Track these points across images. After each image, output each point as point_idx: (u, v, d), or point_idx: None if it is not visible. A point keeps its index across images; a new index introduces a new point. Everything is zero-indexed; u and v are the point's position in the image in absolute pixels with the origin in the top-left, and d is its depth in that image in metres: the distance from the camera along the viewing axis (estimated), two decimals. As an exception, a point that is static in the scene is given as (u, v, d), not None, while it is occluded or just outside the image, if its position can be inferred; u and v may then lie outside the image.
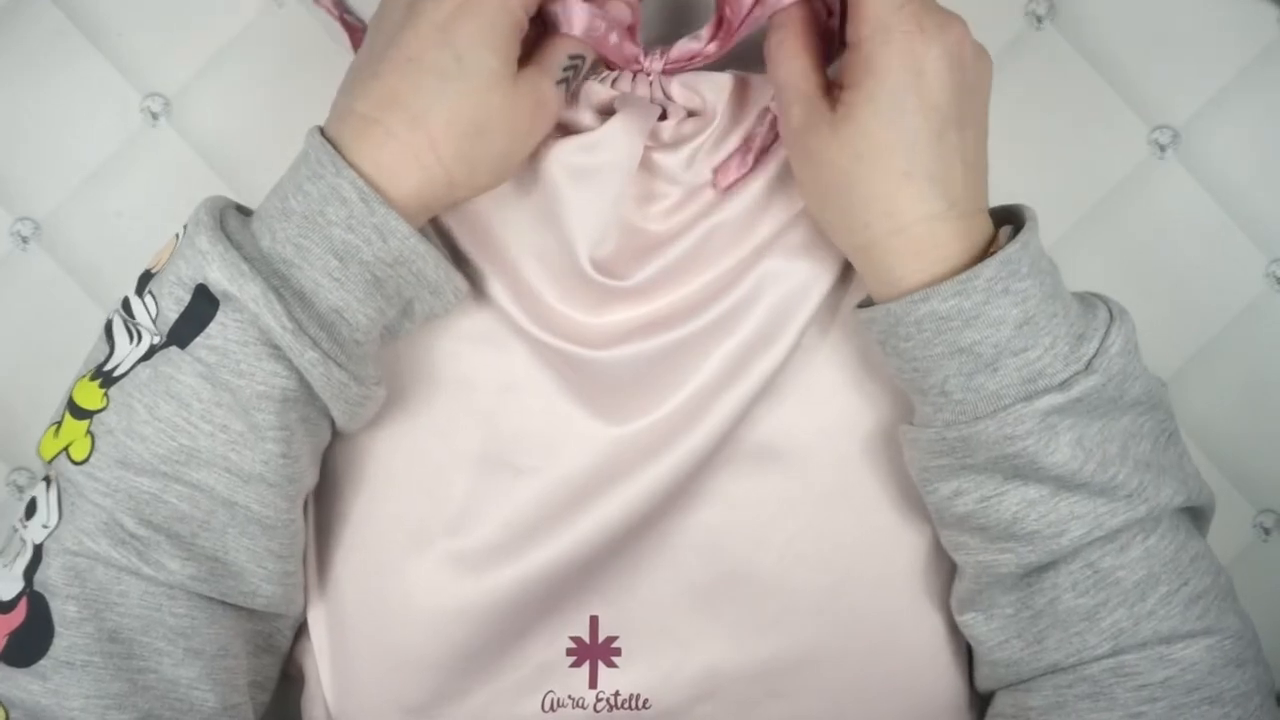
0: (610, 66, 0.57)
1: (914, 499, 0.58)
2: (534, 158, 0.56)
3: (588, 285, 0.56)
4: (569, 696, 0.57)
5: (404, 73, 0.50)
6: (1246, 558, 0.65)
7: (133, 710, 0.50)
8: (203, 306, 0.50)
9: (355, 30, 0.61)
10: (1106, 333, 0.51)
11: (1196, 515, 0.55)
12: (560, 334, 0.57)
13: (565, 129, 0.57)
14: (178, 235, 0.53)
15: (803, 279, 0.56)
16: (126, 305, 0.52)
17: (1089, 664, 0.52)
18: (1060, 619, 0.52)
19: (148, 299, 0.52)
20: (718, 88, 0.57)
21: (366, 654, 0.57)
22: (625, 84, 0.57)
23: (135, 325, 0.52)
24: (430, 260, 0.52)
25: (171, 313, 0.51)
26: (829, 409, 0.58)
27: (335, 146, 0.51)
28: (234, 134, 0.64)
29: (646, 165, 0.57)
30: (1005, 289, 0.50)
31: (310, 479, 0.55)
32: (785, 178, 0.57)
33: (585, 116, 0.57)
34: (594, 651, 0.57)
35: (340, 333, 0.52)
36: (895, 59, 0.49)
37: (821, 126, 0.51)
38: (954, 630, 0.58)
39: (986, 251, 0.51)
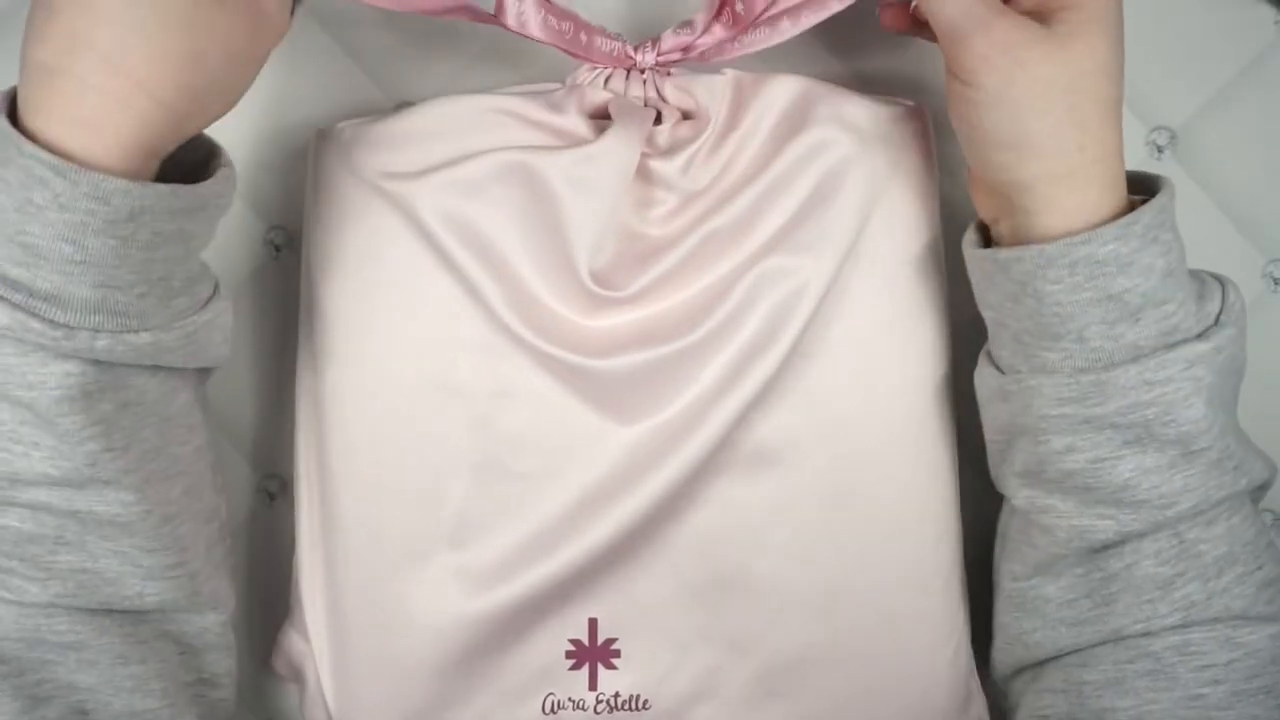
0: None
1: (912, 500, 0.58)
2: (532, 168, 0.56)
3: (587, 295, 0.57)
4: (569, 699, 0.57)
5: (83, 4, 0.45)
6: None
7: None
8: None
9: None
10: (1224, 291, 0.52)
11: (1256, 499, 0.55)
12: (559, 343, 0.56)
13: (561, 136, 0.57)
14: None
15: (800, 281, 0.56)
16: None
17: (1154, 636, 0.52)
18: (1135, 584, 0.52)
19: None
20: (712, 90, 0.57)
21: (367, 660, 0.57)
22: (619, 83, 0.58)
23: None
24: (169, 194, 0.47)
25: None
26: (827, 412, 0.57)
27: (25, 110, 0.46)
28: (233, 135, 0.64)
29: (643, 172, 0.57)
30: (1155, 238, 0.50)
31: (168, 458, 0.52)
32: (781, 179, 0.57)
33: (578, 122, 0.57)
34: (593, 653, 0.57)
35: (116, 302, 0.47)
36: None
37: (1040, 41, 0.49)
38: (953, 630, 0.59)
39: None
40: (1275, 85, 0.63)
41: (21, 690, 0.48)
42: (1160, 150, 0.64)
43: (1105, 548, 0.53)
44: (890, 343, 0.58)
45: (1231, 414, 0.53)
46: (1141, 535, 0.52)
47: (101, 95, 0.45)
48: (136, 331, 0.48)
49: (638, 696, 0.57)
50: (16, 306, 0.46)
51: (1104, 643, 0.53)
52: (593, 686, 0.57)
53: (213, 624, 0.55)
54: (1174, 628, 0.52)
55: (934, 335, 0.59)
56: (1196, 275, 0.53)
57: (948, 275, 0.60)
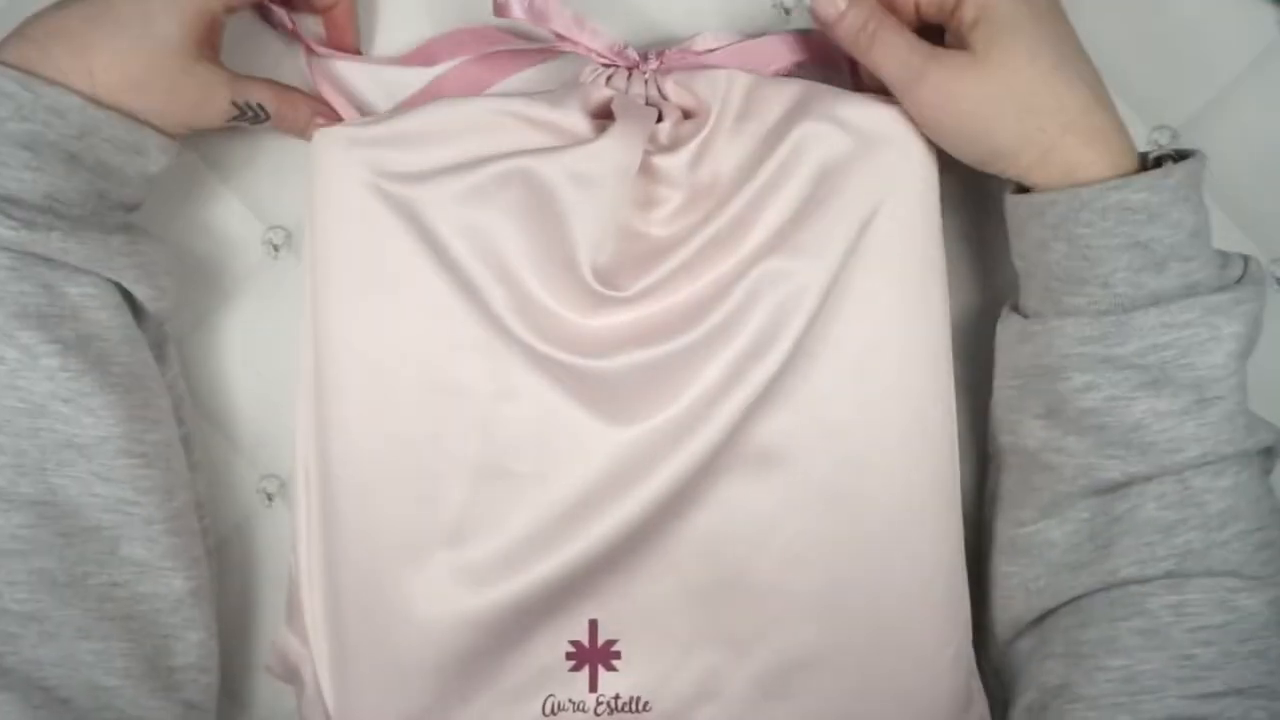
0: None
1: (914, 502, 0.58)
2: (534, 172, 0.56)
3: (589, 295, 0.56)
4: (569, 700, 0.57)
5: (87, 15, 0.54)
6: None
7: (5, 690, 0.51)
8: None
9: (308, 45, 0.62)
10: (1247, 261, 0.55)
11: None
12: (559, 344, 0.56)
13: (563, 135, 0.57)
14: None
15: (800, 283, 0.56)
16: None
17: (1150, 586, 0.53)
18: (1136, 526, 0.54)
19: None
20: (713, 86, 0.57)
21: (366, 661, 0.57)
22: (620, 81, 0.58)
23: None
24: (117, 123, 0.55)
25: None
26: (828, 412, 0.57)
27: None
28: (234, 135, 0.64)
29: (647, 170, 0.57)
30: (1186, 196, 0.53)
31: (135, 400, 0.56)
32: (781, 178, 0.57)
33: (580, 120, 0.57)
34: (593, 655, 0.57)
35: (61, 214, 0.54)
36: None
37: (963, 69, 0.55)
38: (954, 631, 0.59)
39: (1144, 166, 0.55)
40: (1276, 85, 0.63)
41: None
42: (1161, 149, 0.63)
43: (1111, 490, 0.54)
44: (892, 344, 0.58)
45: (1244, 375, 0.55)
46: (1147, 479, 0.54)
47: (57, 69, 0.54)
48: (85, 243, 0.54)
49: (638, 698, 0.57)
50: None
51: (1102, 588, 0.55)
52: (593, 688, 0.57)
53: (180, 592, 0.56)
54: (1169, 575, 0.53)
55: (936, 336, 0.59)
56: (1220, 251, 0.55)
57: (948, 275, 0.59)
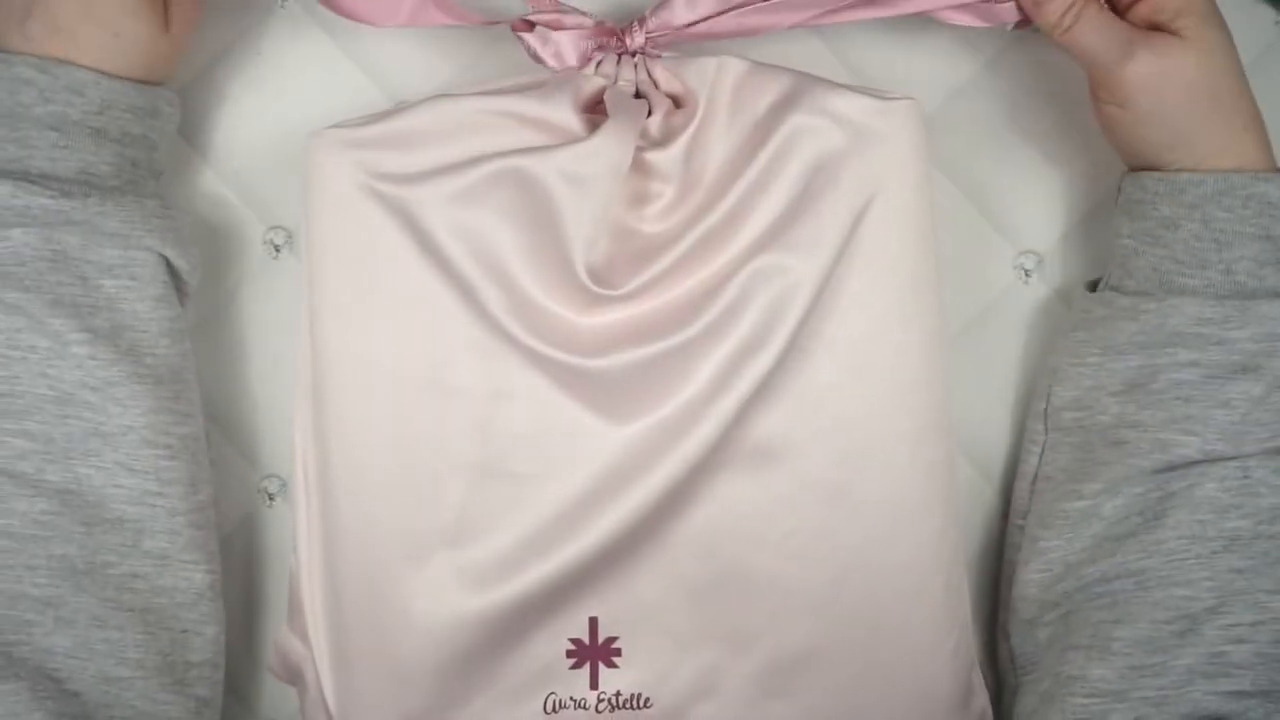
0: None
1: (911, 496, 0.58)
2: (527, 172, 0.56)
3: (584, 293, 0.56)
4: (570, 698, 0.57)
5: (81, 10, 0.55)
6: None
7: (14, 680, 0.51)
8: None
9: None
10: None
11: None
12: (555, 343, 0.56)
13: (554, 132, 0.57)
14: None
15: (794, 279, 0.56)
16: None
17: (1194, 590, 0.55)
18: (1193, 503, 0.56)
19: None
20: (702, 74, 0.57)
21: (367, 661, 0.57)
22: (609, 67, 0.58)
23: None
24: (131, 91, 0.56)
25: None
26: (825, 408, 0.57)
27: None
28: (233, 134, 0.64)
29: (638, 165, 0.57)
30: None
31: (164, 387, 0.56)
32: (772, 173, 0.56)
33: (572, 117, 0.57)
34: (594, 652, 0.57)
35: (96, 185, 0.55)
36: None
37: (1174, 52, 0.56)
38: (954, 625, 0.59)
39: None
40: (1277, 84, 0.63)
41: None
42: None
43: (1176, 468, 0.56)
44: (887, 338, 0.58)
45: None
46: (1215, 460, 0.55)
47: (36, 48, 0.55)
48: (123, 204, 0.55)
49: (639, 695, 0.57)
50: (17, 179, 0.54)
51: (1137, 575, 0.56)
52: (594, 685, 0.57)
53: (200, 586, 0.57)
54: (1213, 552, 0.55)
55: (930, 331, 0.59)
56: None
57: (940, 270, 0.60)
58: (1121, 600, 0.56)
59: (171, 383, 0.57)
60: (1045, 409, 0.61)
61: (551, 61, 0.59)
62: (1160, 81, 0.56)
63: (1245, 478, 0.55)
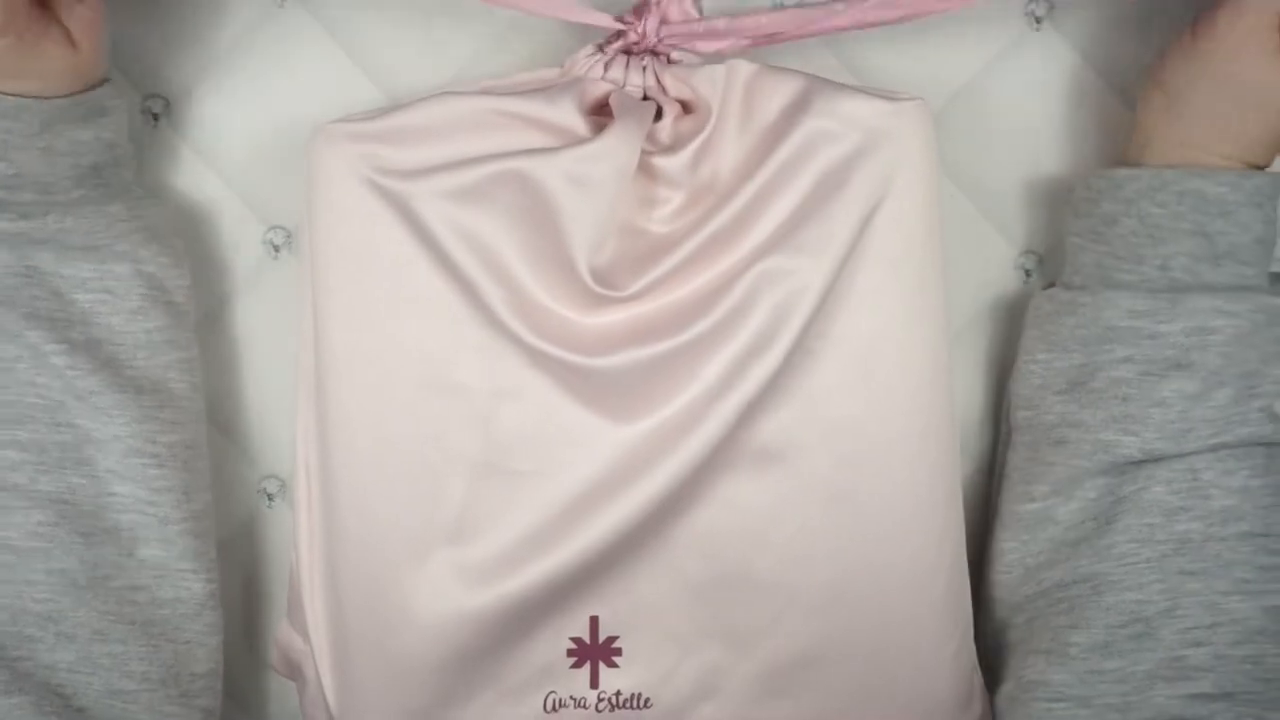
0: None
1: (915, 498, 0.58)
2: (531, 174, 0.56)
3: (587, 294, 0.56)
4: (570, 697, 0.57)
5: None
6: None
7: (19, 694, 0.51)
8: None
9: None
10: None
11: None
12: (559, 342, 0.56)
13: (559, 133, 0.57)
14: None
15: (801, 279, 0.56)
16: None
17: (1145, 593, 0.55)
18: (1140, 507, 0.56)
19: None
20: (712, 80, 0.57)
21: (368, 658, 0.57)
22: (618, 71, 0.57)
23: None
24: (66, 104, 0.55)
25: None
26: (829, 410, 0.57)
27: None
28: (233, 134, 0.64)
29: (647, 170, 0.57)
30: (1260, 204, 0.56)
31: (147, 396, 0.56)
32: (783, 175, 0.56)
33: (577, 119, 0.57)
34: (595, 652, 0.57)
35: (59, 199, 0.55)
36: None
37: None
38: (955, 627, 0.58)
39: None
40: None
41: (0, 667, 0.51)
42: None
43: (1122, 470, 0.56)
44: (893, 340, 0.57)
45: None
46: (1159, 460, 0.55)
47: None
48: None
49: (639, 695, 0.57)
50: None
51: (1091, 580, 0.56)
52: (594, 685, 0.57)
53: (201, 595, 0.57)
54: (1163, 555, 0.54)
55: (935, 333, 0.58)
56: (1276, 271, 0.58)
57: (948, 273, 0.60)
58: (1078, 605, 0.56)
59: (154, 392, 0.56)
60: (1006, 407, 0.62)
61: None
62: None
63: (1194, 480, 0.55)
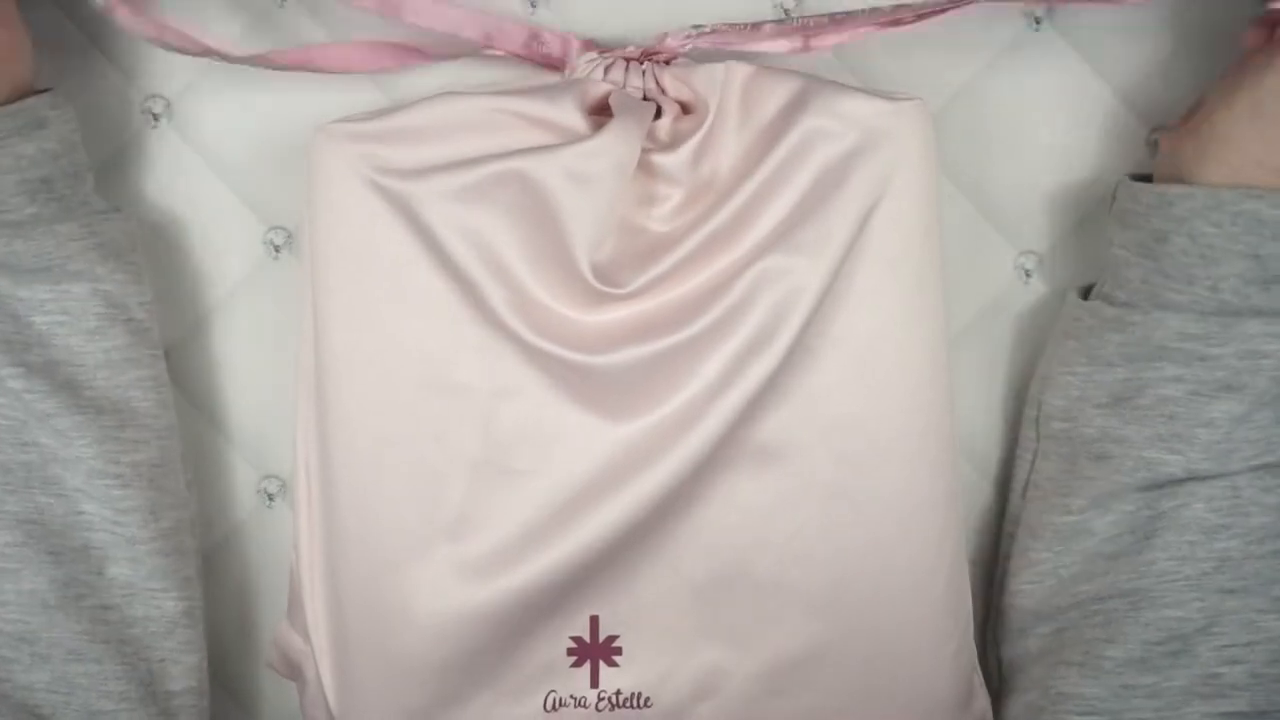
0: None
1: (914, 497, 0.58)
2: (531, 173, 0.56)
3: (587, 291, 0.56)
4: (571, 696, 0.57)
5: None
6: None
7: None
8: None
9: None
10: None
11: None
12: (558, 340, 0.56)
13: (559, 132, 0.57)
14: None
15: (800, 278, 0.56)
16: None
17: (1185, 611, 0.54)
18: (1181, 524, 0.55)
19: None
20: (711, 80, 0.57)
21: (368, 657, 0.57)
22: (618, 74, 0.58)
23: None
24: (4, 117, 0.54)
25: None
26: (828, 409, 0.57)
27: None
28: (233, 135, 0.64)
29: (646, 168, 0.57)
30: None
31: (108, 416, 0.56)
32: (782, 174, 0.57)
33: (577, 118, 0.57)
34: (595, 651, 0.57)
35: (9, 220, 0.54)
36: None
37: None
38: (955, 626, 0.59)
39: None
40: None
41: None
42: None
43: (1163, 486, 0.55)
44: (892, 339, 0.57)
45: None
46: (1202, 479, 0.55)
47: None
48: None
49: (639, 694, 0.57)
50: None
51: (1129, 594, 0.55)
52: (594, 684, 0.57)
53: (173, 614, 0.56)
54: (1204, 573, 0.54)
55: (934, 332, 0.59)
56: None
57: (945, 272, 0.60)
58: (1114, 619, 0.56)
59: (114, 412, 0.56)
60: (1037, 416, 0.61)
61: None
62: None
63: (1235, 497, 0.55)
